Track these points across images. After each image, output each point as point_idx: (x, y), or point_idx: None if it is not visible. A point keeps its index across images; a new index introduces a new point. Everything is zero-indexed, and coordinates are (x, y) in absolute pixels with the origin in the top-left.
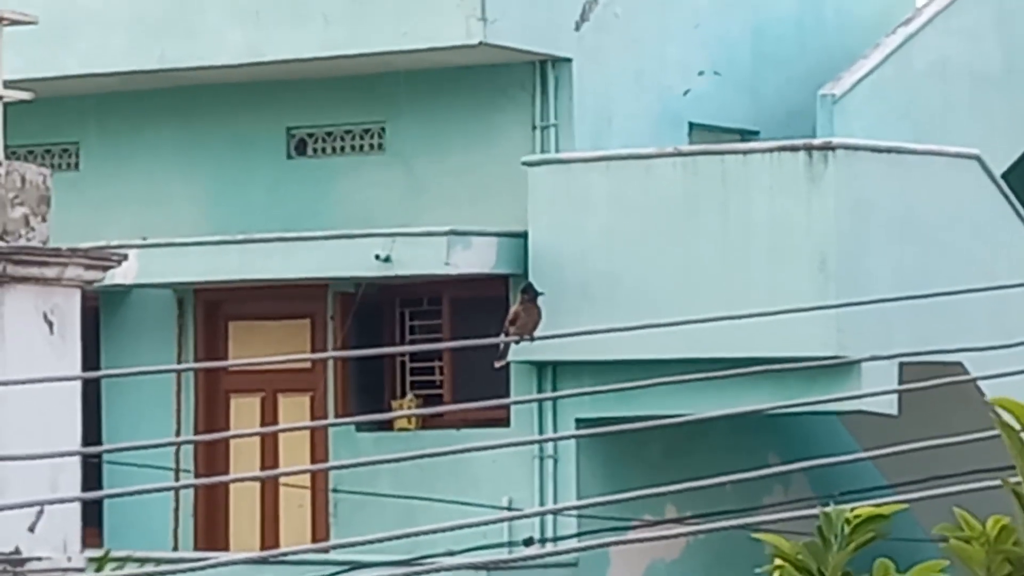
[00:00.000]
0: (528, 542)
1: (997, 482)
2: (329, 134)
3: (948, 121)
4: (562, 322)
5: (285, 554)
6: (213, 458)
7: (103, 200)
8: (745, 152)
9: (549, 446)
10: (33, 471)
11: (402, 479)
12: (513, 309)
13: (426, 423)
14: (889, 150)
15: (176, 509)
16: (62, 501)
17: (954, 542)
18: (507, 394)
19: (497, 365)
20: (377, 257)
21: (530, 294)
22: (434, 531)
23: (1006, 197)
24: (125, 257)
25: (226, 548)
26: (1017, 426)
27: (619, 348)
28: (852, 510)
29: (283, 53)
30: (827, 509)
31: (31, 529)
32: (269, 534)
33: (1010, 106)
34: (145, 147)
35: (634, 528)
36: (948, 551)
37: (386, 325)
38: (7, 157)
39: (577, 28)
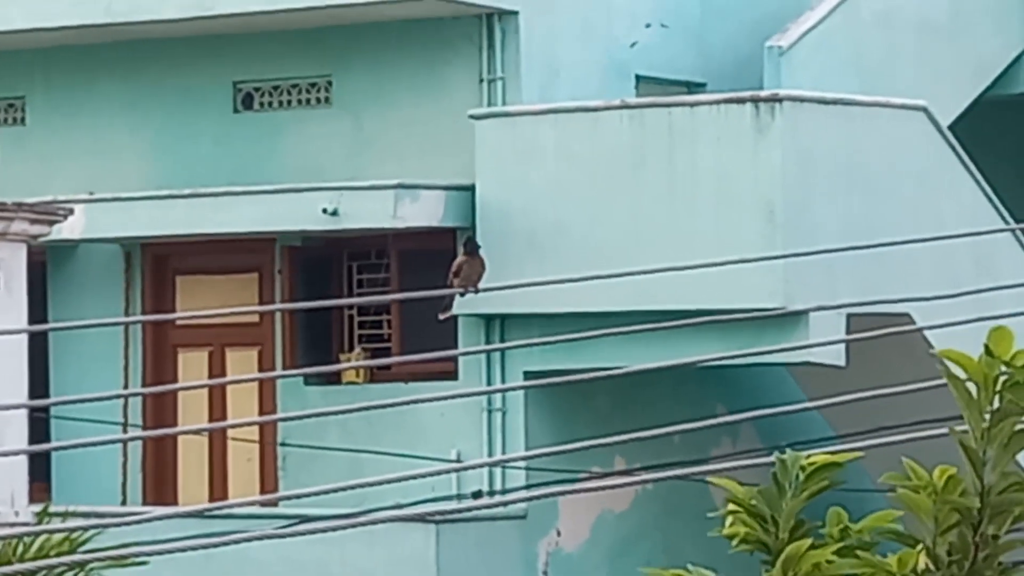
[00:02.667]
0: (476, 494)
1: (944, 431)
2: (276, 88)
3: (895, 72)
4: (510, 274)
5: (232, 506)
6: (161, 412)
7: (49, 154)
8: (692, 104)
9: (497, 399)
10: None
11: (350, 432)
12: (456, 261)
13: (374, 376)
14: (836, 102)
15: (124, 464)
16: (8, 454)
17: (902, 491)
18: (455, 347)
19: (441, 317)
20: (325, 211)
21: (471, 246)
22: (382, 482)
23: (952, 148)
24: (71, 211)
25: (175, 502)
26: (964, 376)
27: (567, 300)
28: (807, 457)
29: (230, 7)
30: (783, 456)
31: None
32: (217, 488)
33: (957, 57)
34: (92, 101)
35: (583, 479)
36: (896, 500)
37: (334, 278)
38: None
39: None
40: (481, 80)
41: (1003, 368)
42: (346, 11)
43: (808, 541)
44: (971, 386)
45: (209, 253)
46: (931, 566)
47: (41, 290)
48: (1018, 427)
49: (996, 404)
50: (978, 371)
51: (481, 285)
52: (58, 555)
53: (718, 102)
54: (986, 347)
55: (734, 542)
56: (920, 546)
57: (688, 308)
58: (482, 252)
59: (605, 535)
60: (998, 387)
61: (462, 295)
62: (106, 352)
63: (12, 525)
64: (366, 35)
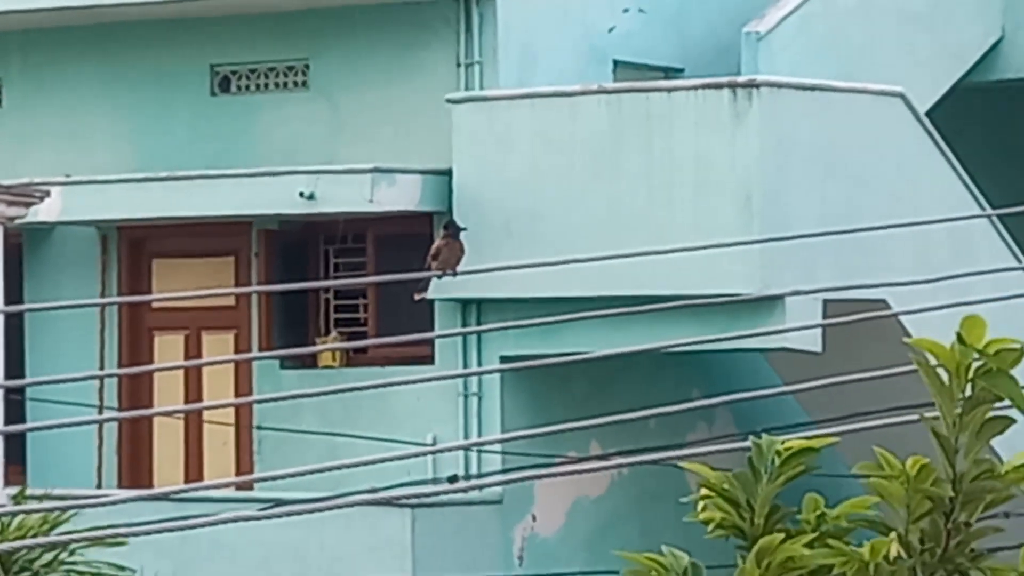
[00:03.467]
0: (452, 479)
1: (920, 416)
2: (253, 71)
3: (873, 58)
4: (486, 259)
5: (207, 487)
6: (137, 395)
7: (26, 136)
8: (670, 90)
9: (473, 383)
10: None
11: (326, 416)
12: (435, 244)
13: (350, 360)
14: (814, 87)
15: (100, 447)
16: None
17: (875, 480)
18: (432, 331)
19: (417, 297)
20: (301, 194)
21: (452, 229)
22: (358, 465)
23: (930, 134)
24: (48, 194)
25: (150, 485)
26: (936, 364)
27: (543, 285)
28: (783, 442)
29: None
30: (758, 440)
31: None
32: (193, 471)
33: (935, 43)
34: (69, 83)
35: (559, 464)
36: (869, 488)
37: (310, 262)
38: None
39: None
40: (458, 64)
41: (976, 356)
42: None
43: (780, 535)
44: (943, 374)
45: (185, 236)
46: (903, 554)
47: (17, 272)
48: (990, 415)
49: (968, 392)
50: (950, 359)
51: (459, 269)
52: (35, 537)
53: (696, 87)
54: (958, 335)
55: (710, 527)
56: (893, 534)
57: (665, 293)
58: (462, 236)
59: (581, 520)
60: (970, 375)
61: (439, 278)
62: (82, 335)
63: None
64: (343, 18)
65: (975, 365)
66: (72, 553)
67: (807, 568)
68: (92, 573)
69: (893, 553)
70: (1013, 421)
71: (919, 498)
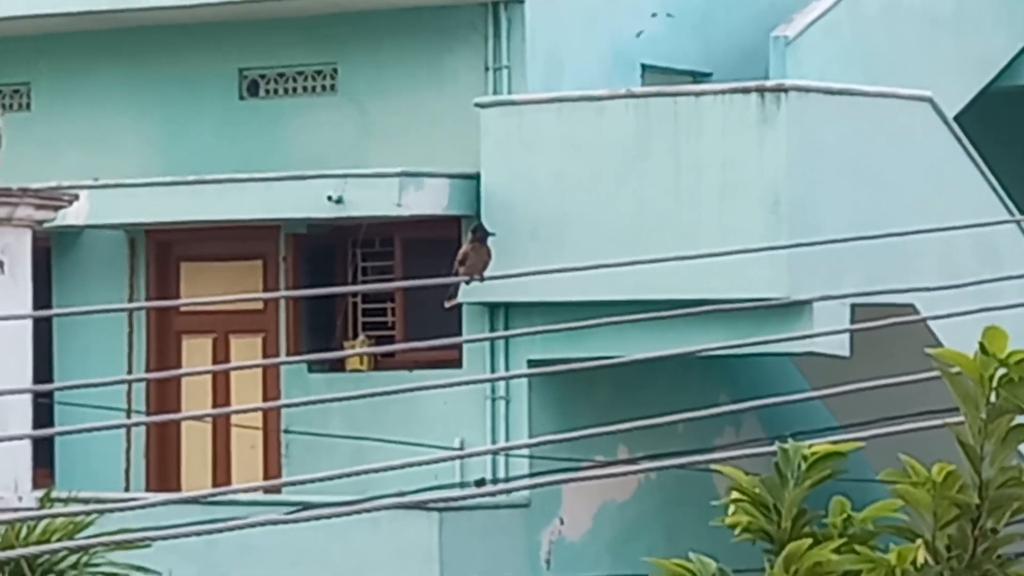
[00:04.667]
0: (480, 483)
1: (947, 422)
2: (281, 75)
3: (900, 63)
4: (514, 264)
5: (235, 492)
6: (165, 399)
7: (54, 140)
8: (697, 94)
9: (501, 387)
10: None
11: (354, 420)
12: (462, 249)
13: (378, 364)
14: (841, 92)
15: (128, 450)
16: (12, 439)
17: (901, 486)
18: (459, 335)
19: (447, 305)
20: (329, 198)
21: (480, 234)
22: (385, 469)
23: (957, 139)
24: (76, 197)
25: (178, 489)
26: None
27: (570, 289)
28: (810, 447)
29: None
30: (784, 445)
31: None
32: (221, 475)
33: (961, 48)
34: (97, 88)
35: (586, 468)
36: (896, 494)
37: (338, 266)
38: None
39: None
40: (486, 68)
41: (998, 366)
42: None
43: (808, 541)
44: (968, 382)
45: (213, 240)
46: (930, 560)
47: (45, 276)
48: (1015, 423)
49: (993, 400)
50: (974, 369)
51: (486, 274)
52: (60, 540)
53: (723, 92)
54: (981, 345)
55: (737, 531)
56: (919, 540)
57: (692, 297)
58: (489, 241)
59: (608, 524)
60: (994, 384)
61: (467, 283)
62: (110, 339)
63: (16, 511)
64: (371, 23)
65: (998, 375)
66: (95, 556)
67: (835, 573)
68: (115, 575)
69: (920, 559)
70: None
71: (946, 505)
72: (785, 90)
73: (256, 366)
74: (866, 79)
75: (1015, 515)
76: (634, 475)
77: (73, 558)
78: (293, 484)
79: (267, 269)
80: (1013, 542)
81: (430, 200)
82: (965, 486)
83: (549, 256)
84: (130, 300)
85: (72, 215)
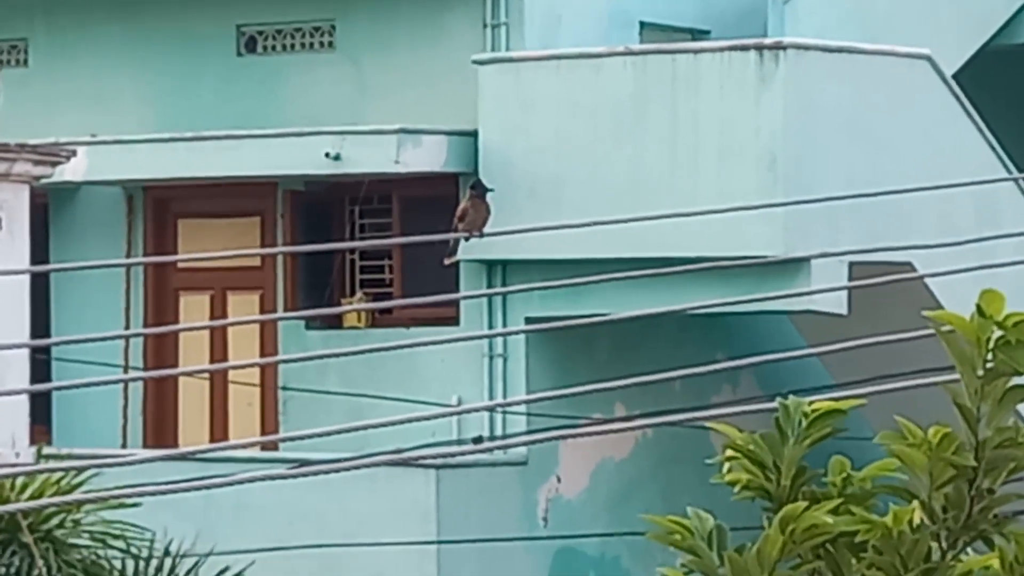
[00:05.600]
0: (477, 440)
1: (945, 379)
2: (279, 32)
3: (899, 21)
4: (511, 221)
5: (232, 447)
6: (162, 356)
7: (52, 97)
8: (696, 52)
9: (498, 345)
10: None
11: (351, 377)
12: (461, 205)
13: (375, 321)
14: (839, 50)
15: (125, 407)
16: (9, 393)
17: (897, 447)
18: (457, 292)
19: (447, 262)
20: (327, 155)
21: (478, 190)
22: (382, 425)
23: (956, 97)
24: (74, 153)
25: (175, 445)
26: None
27: (568, 247)
28: (810, 403)
29: None
30: (785, 401)
31: None
32: (218, 432)
33: (960, 6)
34: (94, 44)
35: (583, 426)
36: (892, 454)
37: (335, 223)
38: None
39: None
40: (484, 25)
41: (995, 328)
42: None
43: (804, 503)
44: (964, 344)
45: (211, 197)
46: (927, 520)
47: (43, 232)
48: (1011, 384)
49: (989, 363)
50: (971, 331)
51: (485, 230)
52: (53, 496)
53: (722, 49)
54: (978, 307)
55: (736, 489)
56: (916, 501)
57: (689, 255)
58: (488, 197)
59: (605, 482)
60: (991, 346)
61: (466, 239)
62: (107, 295)
63: (13, 466)
64: None
65: (995, 337)
66: (89, 512)
67: (831, 534)
68: (107, 533)
69: (917, 520)
70: None
71: (942, 465)
72: (783, 48)
73: (253, 321)
74: (864, 37)
75: (1011, 475)
76: (631, 432)
77: (64, 515)
78: (290, 440)
79: (265, 226)
80: (1010, 501)
81: (428, 157)
82: (961, 447)
83: (547, 213)
84: (127, 256)
85: (70, 171)
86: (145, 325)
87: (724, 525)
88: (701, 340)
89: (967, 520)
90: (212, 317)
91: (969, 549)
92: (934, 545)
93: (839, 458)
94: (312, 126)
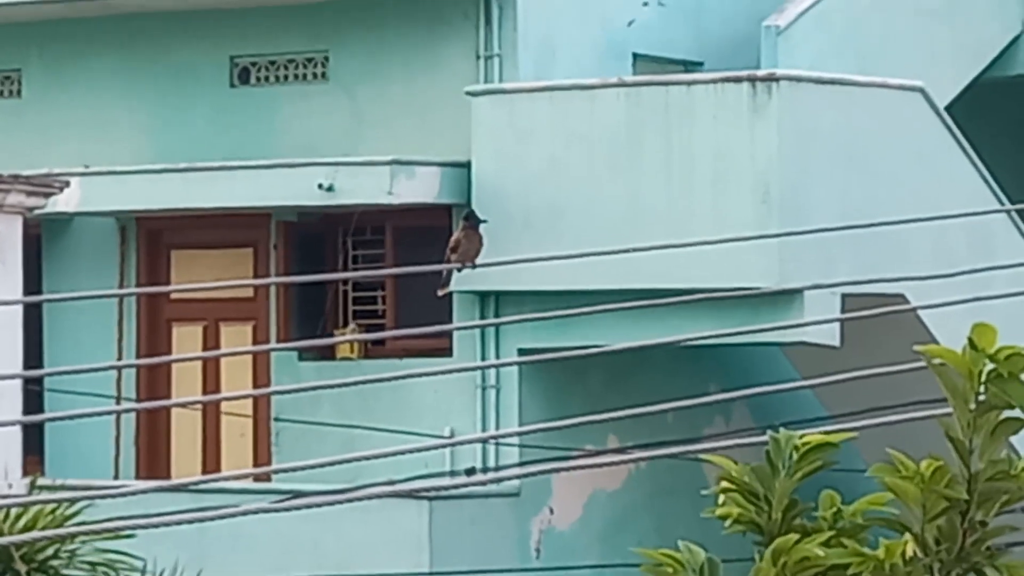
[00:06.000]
0: (470, 471)
1: (938, 413)
2: (272, 63)
3: (892, 53)
4: (505, 252)
5: (225, 479)
6: (155, 386)
7: (45, 127)
8: (689, 83)
9: (491, 376)
10: None
11: (344, 408)
12: (454, 236)
13: (368, 352)
14: (833, 81)
15: (117, 438)
16: (2, 425)
17: (890, 480)
18: (450, 324)
19: (440, 293)
20: (320, 186)
21: (471, 221)
22: (375, 457)
23: (949, 129)
24: (67, 184)
25: (167, 477)
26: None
27: (562, 278)
28: (801, 436)
29: None
30: (776, 434)
31: None
32: (211, 463)
33: (954, 39)
34: (88, 75)
35: (576, 457)
36: (885, 486)
37: (329, 254)
38: None
39: None
40: (478, 57)
41: (987, 361)
42: None
43: (796, 535)
44: (956, 377)
45: (204, 227)
46: (919, 553)
47: (36, 263)
48: (1003, 417)
49: (982, 396)
50: (963, 364)
51: (478, 261)
52: (47, 527)
53: (715, 81)
54: (970, 340)
55: (727, 523)
56: (908, 534)
57: (683, 287)
58: (481, 228)
59: (597, 514)
60: (983, 379)
61: (459, 271)
62: (100, 326)
63: (5, 497)
64: (363, 10)
65: (987, 370)
66: (84, 544)
67: (823, 567)
68: (99, 563)
69: (910, 552)
70: None
71: (935, 498)
72: (777, 79)
73: (246, 353)
74: (858, 69)
75: (1004, 507)
76: (624, 464)
77: (57, 546)
78: (283, 472)
79: (257, 257)
80: (1003, 534)
81: (421, 188)
82: (954, 479)
83: (540, 244)
84: (120, 287)
85: (63, 202)
86: (138, 356)
87: (716, 558)
88: (694, 371)
89: (960, 552)
90: (205, 348)
91: None
92: None
93: (830, 492)
94: (305, 157)
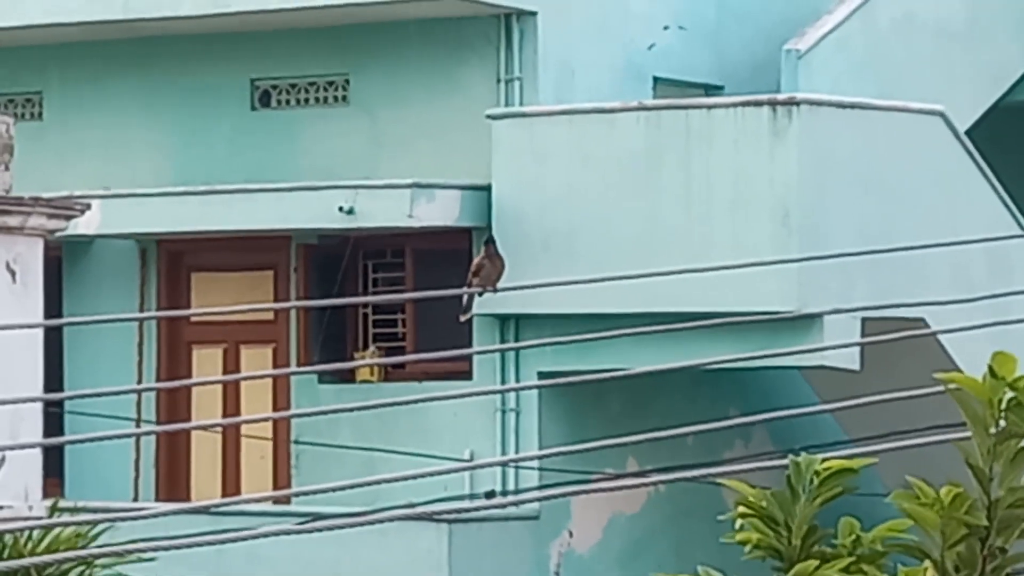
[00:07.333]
0: (489, 494)
1: (957, 436)
2: (293, 86)
3: (912, 77)
4: (525, 276)
5: (244, 502)
6: (175, 410)
7: (66, 150)
8: (709, 107)
9: (511, 399)
10: None
11: (364, 431)
12: (476, 260)
13: (388, 375)
14: (853, 105)
15: (137, 460)
16: (23, 447)
17: (909, 506)
18: (470, 347)
19: (462, 319)
20: (340, 209)
21: (493, 246)
22: (395, 480)
23: (969, 153)
24: (88, 207)
25: (187, 499)
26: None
27: (581, 302)
28: (822, 461)
29: (248, 4)
30: (797, 459)
31: None
32: (230, 485)
33: (974, 62)
34: (109, 97)
35: (595, 480)
36: (904, 513)
37: (349, 277)
38: None
39: None
40: (498, 80)
41: (1007, 389)
42: (364, 10)
43: (814, 563)
44: (976, 404)
45: (224, 250)
46: None
47: (56, 285)
48: (1023, 444)
49: (1002, 423)
50: (983, 392)
51: (498, 285)
52: (67, 550)
53: (735, 105)
54: (990, 368)
55: (747, 549)
56: (927, 561)
57: (702, 310)
58: (501, 251)
59: (617, 537)
60: (1003, 407)
61: (480, 295)
62: (120, 349)
63: (26, 519)
64: (384, 34)
65: (1007, 398)
66: (103, 568)
67: None
68: None
69: None
70: None
71: (954, 524)
72: (797, 103)
73: (266, 376)
74: (878, 93)
75: None
76: (643, 488)
77: (80, 569)
78: (303, 495)
79: (278, 279)
80: (1022, 560)
81: (441, 211)
82: (974, 506)
83: (560, 268)
84: (141, 310)
85: (83, 225)
86: (158, 379)
87: None
88: (714, 395)
89: None
90: (225, 371)
91: None
92: None
93: (849, 519)
94: (326, 180)
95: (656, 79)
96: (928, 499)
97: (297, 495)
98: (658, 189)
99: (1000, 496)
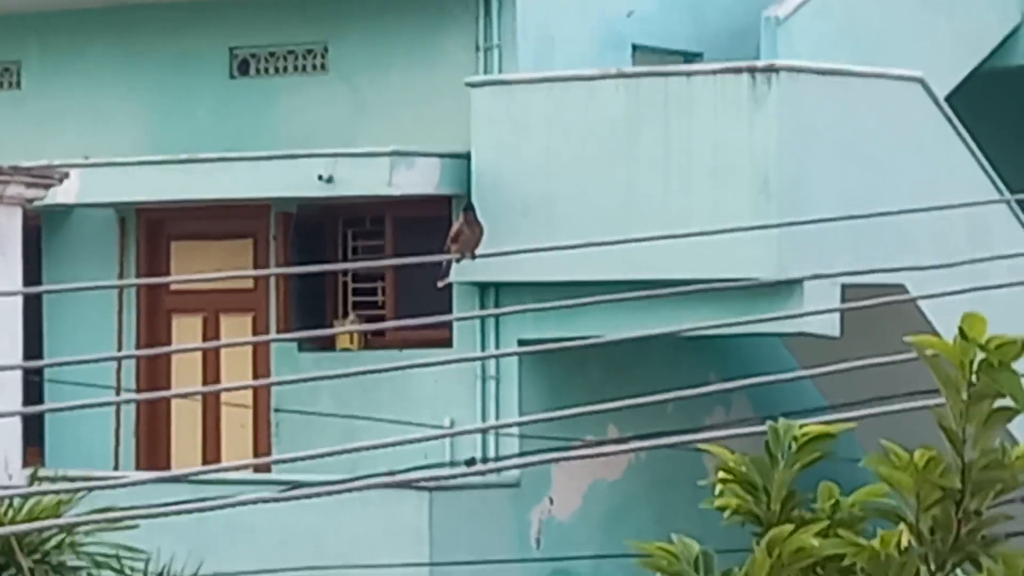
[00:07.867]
0: (470, 462)
1: (935, 403)
2: (272, 54)
3: (892, 44)
4: (504, 243)
5: (225, 470)
6: (154, 378)
7: (45, 119)
8: (688, 74)
9: (491, 367)
10: None
11: (344, 399)
12: (455, 226)
13: (368, 343)
14: (832, 72)
15: (117, 429)
16: (3, 416)
17: (884, 470)
18: (450, 314)
19: (440, 284)
20: (320, 177)
21: (473, 212)
22: (375, 447)
23: (948, 120)
24: (67, 176)
25: (167, 467)
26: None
27: (561, 269)
28: (800, 427)
29: None
30: (775, 424)
31: None
32: (211, 454)
33: (953, 29)
34: (88, 66)
35: (575, 448)
36: (878, 477)
37: (328, 245)
38: None
39: None
40: (477, 48)
41: (978, 351)
42: None
43: (790, 526)
44: (949, 367)
45: (204, 219)
46: (915, 543)
47: (36, 254)
48: (996, 406)
49: (974, 385)
50: (954, 354)
51: (478, 252)
52: (48, 518)
53: (714, 72)
54: (960, 330)
55: (726, 514)
56: (903, 523)
57: (682, 277)
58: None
59: (597, 504)
60: (974, 369)
61: (458, 261)
62: (100, 317)
63: (5, 488)
64: (362, 1)
65: (978, 359)
66: (85, 535)
67: (819, 556)
68: (102, 555)
69: (904, 542)
70: (1019, 411)
71: (929, 488)
72: (776, 70)
73: (246, 343)
74: (857, 59)
75: (998, 496)
76: (624, 455)
77: (60, 537)
78: (283, 463)
79: (257, 248)
80: (997, 523)
81: (421, 179)
82: (948, 469)
83: (539, 236)
84: (120, 278)
85: (62, 193)
86: (138, 347)
87: (711, 551)
88: (694, 361)
89: (955, 542)
90: (205, 339)
91: (958, 571)
92: (922, 567)
93: (828, 484)
94: (305, 148)
95: (635, 46)
96: (902, 462)
97: (277, 463)
98: (637, 156)
99: (974, 458)
